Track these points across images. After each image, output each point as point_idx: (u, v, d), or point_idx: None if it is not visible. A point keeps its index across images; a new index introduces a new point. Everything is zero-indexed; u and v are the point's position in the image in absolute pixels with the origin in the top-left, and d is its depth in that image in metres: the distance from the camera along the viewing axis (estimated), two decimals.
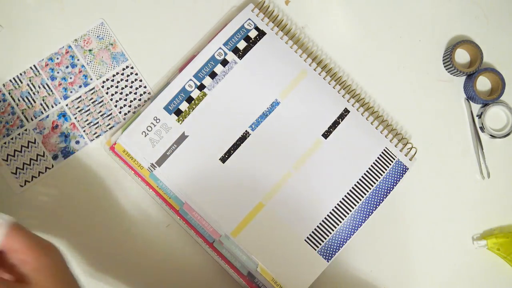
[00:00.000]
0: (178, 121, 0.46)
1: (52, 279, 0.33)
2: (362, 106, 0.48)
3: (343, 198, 0.46)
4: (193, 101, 0.47)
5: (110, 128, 0.50)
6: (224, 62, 0.47)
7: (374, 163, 0.46)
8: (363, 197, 0.46)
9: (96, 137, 0.50)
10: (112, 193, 0.49)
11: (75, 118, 0.49)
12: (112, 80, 0.50)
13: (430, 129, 0.51)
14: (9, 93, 0.49)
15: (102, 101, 0.50)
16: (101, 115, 0.50)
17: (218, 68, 0.47)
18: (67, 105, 0.49)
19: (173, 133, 0.46)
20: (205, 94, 0.47)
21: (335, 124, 0.47)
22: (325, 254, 0.45)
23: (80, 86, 0.50)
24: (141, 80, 0.50)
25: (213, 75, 0.47)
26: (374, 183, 0.46)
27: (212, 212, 0.46)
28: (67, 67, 0.49)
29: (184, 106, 0.47)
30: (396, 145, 0.47)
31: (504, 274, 0.50)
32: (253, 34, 0.48)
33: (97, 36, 0.50)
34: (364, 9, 0.51)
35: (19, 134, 0.49)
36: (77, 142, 0.49)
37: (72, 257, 0.49)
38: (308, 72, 0.47)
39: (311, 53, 0.50)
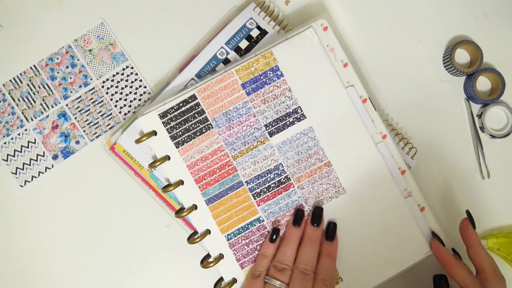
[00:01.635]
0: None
1: None
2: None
3: None
4: None
5: (110, 128, 0.50)
6: (226, 61, 0.47)
7: None
8: None
9: (96, 137, 0.49)
10: (112, 193, 0.49)
11: (75, 118, 0.49)
12: (112, 80, 0.50)
13: (430, 129, 0.51)
14: (9, 93, 0.49)
15: (102, 101, 0.50)
16: (101, 115, 0.50)
17: (220, 68, 0.47)
18: (67, 105, 0.49)
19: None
20: None
21: None
22: None
23: (80, 86, 0.50)
24: (141, 80, 0.50)
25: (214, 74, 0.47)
26: None
27: None
28: (67, 67, 0.49)
29: None
30: (398, 144, 0.48)
31: (504, 274, 0.50)
32: (255, 33, 0.48)
33: (97, 36, 0.50)
34: (364, 9, 0.51)
35: (19, 134, 0.49)
36: (77, 142, 0.49)
37: (72, 258, 0.49)
38: None
39: None
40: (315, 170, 0.44)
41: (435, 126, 0.51)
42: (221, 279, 0.45)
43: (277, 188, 0.44)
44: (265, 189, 0.44)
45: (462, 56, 0.51)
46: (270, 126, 0.44)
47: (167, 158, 0.44)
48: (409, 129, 0.50)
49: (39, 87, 0.49)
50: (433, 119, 0.51)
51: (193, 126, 0.44)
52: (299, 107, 0.44)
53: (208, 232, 0.44)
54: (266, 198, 0.44)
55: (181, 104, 0.44)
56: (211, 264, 0.43)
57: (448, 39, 0.51)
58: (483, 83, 0.51)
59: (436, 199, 0.50)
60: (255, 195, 0.44)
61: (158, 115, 0.44)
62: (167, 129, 0.44)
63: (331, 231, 0.44)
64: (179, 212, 0.44)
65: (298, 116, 0.44)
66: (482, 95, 0.49)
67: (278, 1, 0.51)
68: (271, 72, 0.44)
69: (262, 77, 0.44)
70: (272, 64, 0.44)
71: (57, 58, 0.49)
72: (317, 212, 0.44)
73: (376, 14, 0.51)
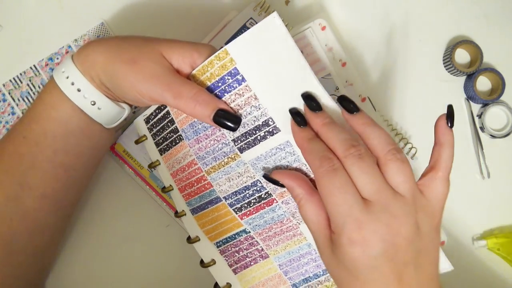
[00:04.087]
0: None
1: None
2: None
3: None
4: None
5: None
6: None
7: None
8: None
9: None
10: (112, 193, 0.49)
11: None
12: None
13: (430, 129, 0.50)
14: (9, 93, 0.49)
15: None
16: None
17: None
18: None
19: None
20: None
21: None
22: None
23: None
24: None
25: None
26: None
27: None
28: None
29: None
30: (398, 144, 0.47)
31: (504, 274, 0.50)
32: None
33: (97, 36, 0.50)
34: (364, 9, 0.51)
35: None
36: None
37: (72, 258, 0.49)
38: None
39: None
40: None
41: None
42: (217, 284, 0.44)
43: (259, 204, 0.40)
44: (245, 205, 0.40)
45: (462, 56, 0.51)
46: (239, 141, 0.37)
47: (158, 163, 0.44)
48: (409, 129, 0.50)
49: (39, 87, 0.49)
50: (433, 119, 0.50)
51: (168, 135, 0.42)
52: (270, 118, 0.36)
53: (198, 238, 0.43)
54: (248, 212, 0.40)
55: (157, 111, 0.42)
56: (211, 263, 0.43)
57: (448, 39, 0.51)
58: (483, 83, 0.51)
59: None
60: (236, 210, 0.40)
61: (143, 120, 0.43)
62: (151, 135, 0.43)
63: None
64: (178, 212, 0.44)
65: (270, 130, 0.36)
66: (482, 95, 0.49)
67: (278, 1, 0.51)
68: (229, 77, 0.35)
69: (220, 84, 0.36)
70: (230, 67, 0.35)
71: (57, 58, 0.49)
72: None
73: (376, 14, 0.51)
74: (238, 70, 0.35)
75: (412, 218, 0.31)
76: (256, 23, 0.47)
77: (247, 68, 0.35)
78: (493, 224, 0.50)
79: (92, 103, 0.38)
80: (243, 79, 0.35)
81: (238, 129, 0.36)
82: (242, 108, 0.36)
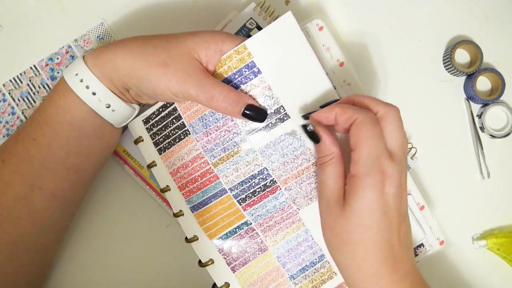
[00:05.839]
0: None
1: None
2: None
3: None
4: None
5: None
6: None
7: None
8: None
9: None
10: (112, 193, 0.49)
11: None
12: None
13: (430, 129, 0.51)
14: (9, 93, 0.49)
15: None
16: None
17: None
18: None
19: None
20: None
21: None
22: None
23: None
24: None
25: None
26: None
27: None
28: (67, 67, 0.49)
29: None
30: None
31: (504, 274, 0.50)
32: (255, 33, 0.47)
33: (97, 36, 0.50)
34: (364, 9, 0.51)
35: None
36: None
37: (72, 258, 0.49)
38: None
39: None
40: (303, 170, 0.41)
41: (435, 126, 0.51)
42: (215, 284, 0.44)
43: (263, 192, 0.42)
44: (250, 194, 0.42)
45: (462, 56, 0.51)
46: (251, 130, 0.41)
47: (154, 164, 0.44)
48: (409, 129, 0.50)
49: (39, 87, 0.49)
50: (433, 119, 0.51)
51: (172, 132, 0.42)
52: (281, 106, 0.40)
53: (196, 238, 0.43)
54: (252, 202, 0.42)
55: (161, 109, 0.42)
56: (209, 263, 0.43)
57: (448, 39, 0.51)
58: (483, 83, 0.51)
59: (436, 199, 0.50)
60: (240, 201, 0.42)
61: (142, 120, 0.43)
62: (150, 135, 0.43)
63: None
64: (174, 214, 0.44)
65: (281, 117, 0.40)
66: (482, 95, 0.49)
67: (278, 1, 0.51)
68: (246, 70, 0.39)
69: (237, 76, 0.39)
70: (247, 60, 0.39)
71: (57, 58, 0.49)
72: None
73: (377, 15, 0.51)
74: (254, 63, 0.39)
75: (406, 176, 0.36)
76: (256, 23, 0.47)
77: (262, 61, 0.39)
78: (493, 224, 0.51)
79: (107, 105, 0.39)
80: (259, 71, 0.39)
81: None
82: (256, 98, 0.40)
